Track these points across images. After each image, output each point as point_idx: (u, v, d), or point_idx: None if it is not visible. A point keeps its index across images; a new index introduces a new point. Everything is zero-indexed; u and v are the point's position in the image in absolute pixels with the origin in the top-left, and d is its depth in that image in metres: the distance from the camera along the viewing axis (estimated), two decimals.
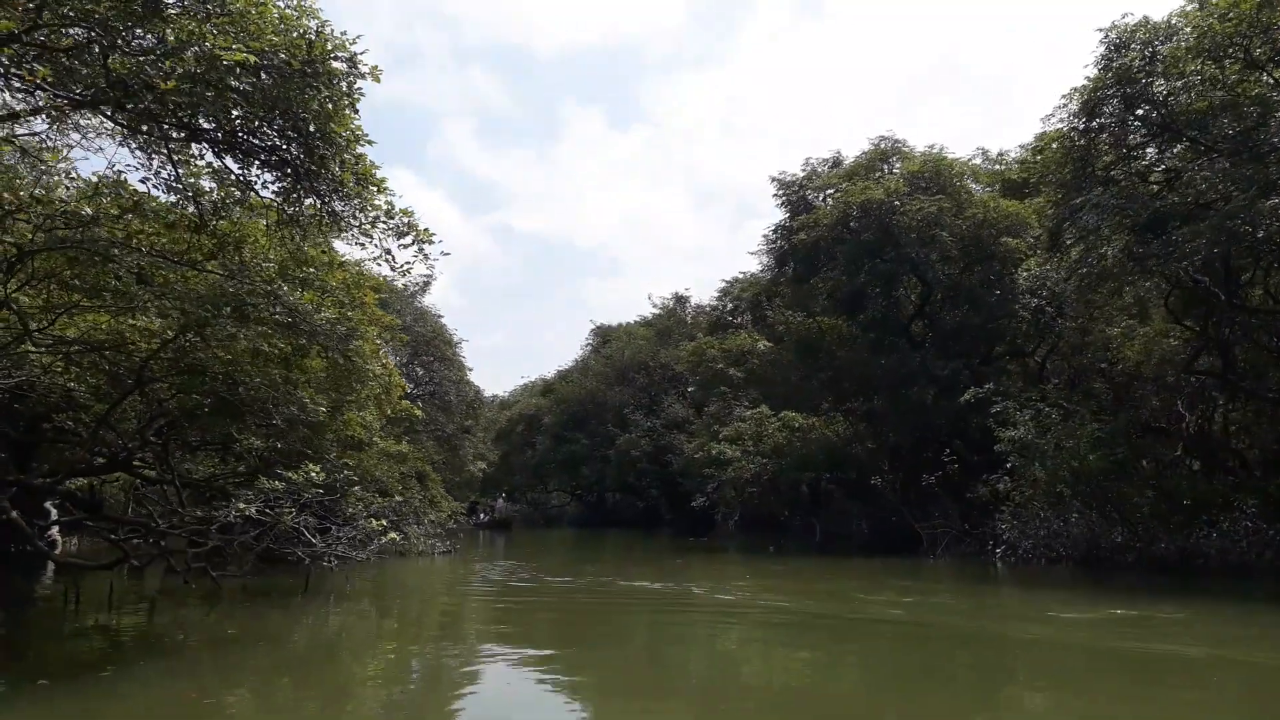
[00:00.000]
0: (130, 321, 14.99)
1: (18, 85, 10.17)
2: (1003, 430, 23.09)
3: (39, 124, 13.99)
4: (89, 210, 10.73)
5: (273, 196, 11.99)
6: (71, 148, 15.30)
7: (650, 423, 53.30)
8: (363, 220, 11.19)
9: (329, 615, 14.65)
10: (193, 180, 11.77)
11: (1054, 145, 22.53)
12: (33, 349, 16.01)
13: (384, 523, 16.62)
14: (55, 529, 27.92)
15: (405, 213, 11.16)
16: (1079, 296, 23.24)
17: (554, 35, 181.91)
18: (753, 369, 36.70)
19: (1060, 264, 23.97)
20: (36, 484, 16.29)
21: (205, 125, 10.86)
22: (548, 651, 11.89)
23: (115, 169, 12.58)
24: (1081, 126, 21.48)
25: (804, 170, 33.85)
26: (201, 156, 11.85)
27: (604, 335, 63.18)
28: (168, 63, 8.66)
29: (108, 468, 19.00)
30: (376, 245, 11.43)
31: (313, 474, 15.08)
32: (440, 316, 44.52)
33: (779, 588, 18.80)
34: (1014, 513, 24.50)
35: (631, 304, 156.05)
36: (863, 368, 31.92)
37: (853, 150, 37.45)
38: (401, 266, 11.51)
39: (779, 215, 33.80)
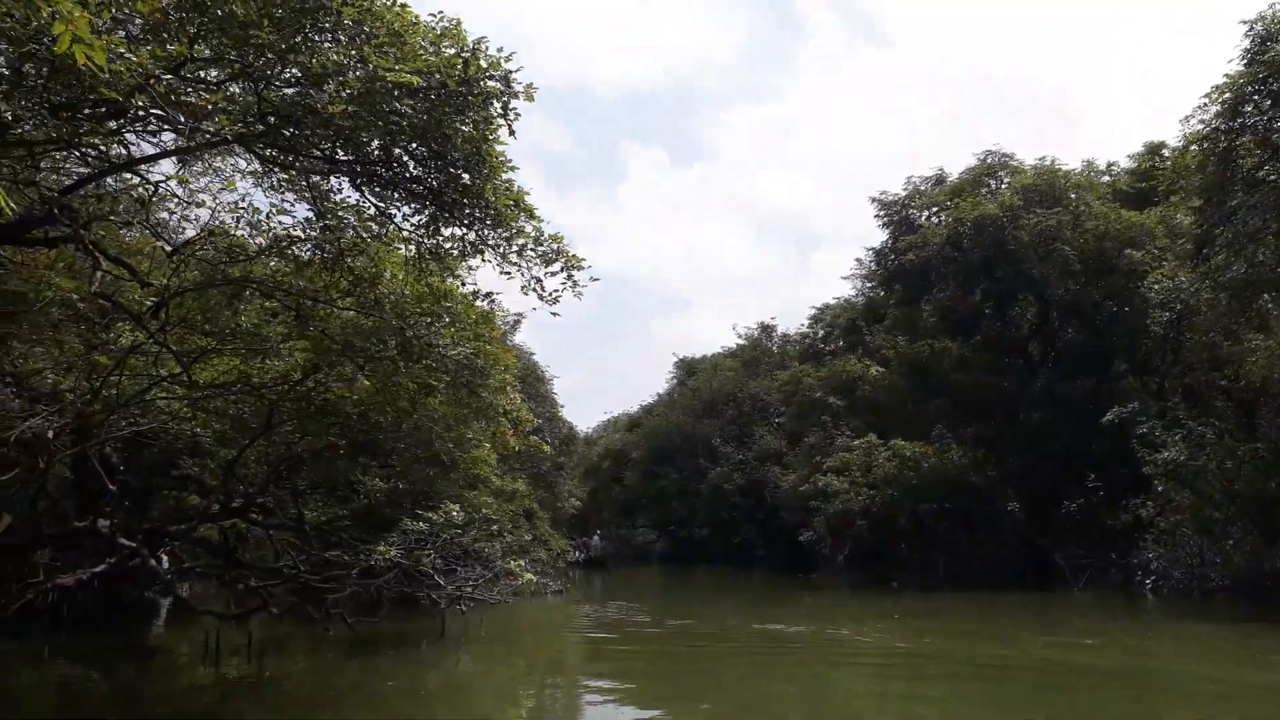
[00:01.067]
0: (259, 365, 14.76)
1: (153, 127, 9.96)
2: (1150, 453, 21.56)
3: (160, 168, 13.97)
4: (261, 240, 10.39)
5: (411, 229, 11.63)
6: (195, 193, 15.31)
7: (742, 455, 52.17)
8: (509, 248, 10.68)
9: (477, 663, 14.10)
10: (333, 216, 11.45)
11: (1192, 149, 21.19)
12: (162, 395, 15.95)
13: (521, 563, 16.03)
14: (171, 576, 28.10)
15: (555, 238, 10.61)
16: (1227, 305, 21.69)
17: (613, 76, 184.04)
18: (864, 395, 35.48)
19: (1200, 273, 22.48)
20: (172, 530, 16.13)
21: (343, 157, 10.55)
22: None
23: (250, 209, 12.38)
24: (1224, 127, 20.17)
25: (905, 189, 32.85)
26: (340, 190, 11.56)
27: (688, 368, 62.43)
28: (331, 85, 8.26)
29: (231, 513, 18.84)
30: (523, 273, 10.92)
31: (454, 514, 14.59)
32: (532, 354, 44.38)
33: (927, 628, 17.62)
34: (1159, 540, 22.84)
35: (700, 338, 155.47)
36: (978, 391, 30.52)
37: (956, 167, 36.28)
38: (550, 294, 10.93)
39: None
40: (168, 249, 10.30)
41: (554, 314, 11.16)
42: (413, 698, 11.64)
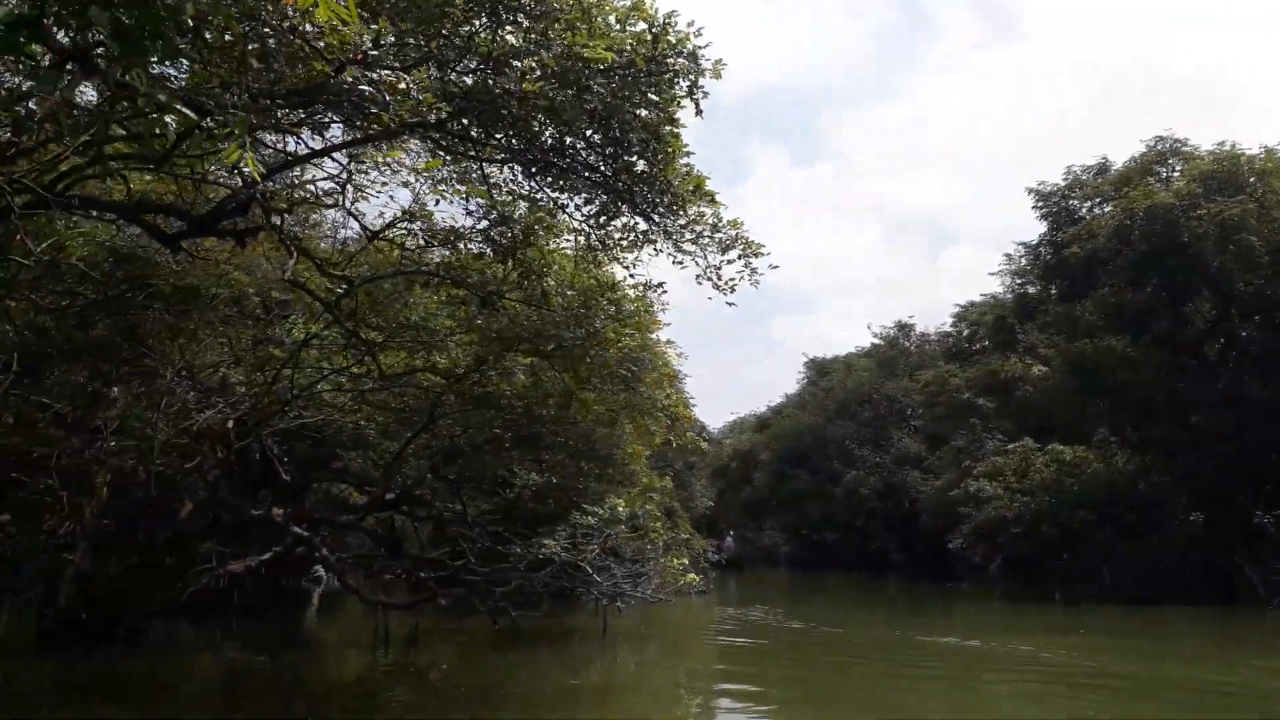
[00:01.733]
0: (425, 358, 14.87)
1: (335, 117, 9.99)
2: None
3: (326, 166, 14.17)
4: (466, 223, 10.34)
5: (581, 219, 11.41)
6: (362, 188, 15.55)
7: (879, 459, 50.56)
8: (684, 236, 10.29)
9: (635, 662, 13.81)
10: (505, 208, 11.33)
11: None
12: (328, 389, 16.30)
13: (684, 561, 15.69)
14: (320, 567, 29.00)
15: (734, 224, 10.16)
16: None
17: (736, 76, 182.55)
18: (1024, 396, 33.66)
19: None
20: (342, 520, 16.49)
21: (518, 146, 10.38)
22: None
23: (419, 204, 12.39)
24: None
25: (1065, 179, 30.94)
26: (512, 181, 11.43)
27: (819, 368, 61.00)
28: (521, 65, 8.05)
29: (387, 505, 19.17)
30: (698, 261, 10.51)
31: (619, 509, 14.37)
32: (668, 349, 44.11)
33: (1115, 646, 16.33)
34: None
35: (824, 339, 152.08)
36: (1146, 392, 28.45)
37: (1115, 155, 33.88)
38: (727, 283, 10.48)
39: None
40: (358, 235, 10.30)
41: (730, 304, 10.72)
42: (573, 696, 11.44)
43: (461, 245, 11.62)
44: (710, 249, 10.27)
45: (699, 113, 9.06)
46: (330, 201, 9.88)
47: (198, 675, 13.37)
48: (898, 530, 50.94)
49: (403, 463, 16.14)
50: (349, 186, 9.72)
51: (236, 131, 4.13)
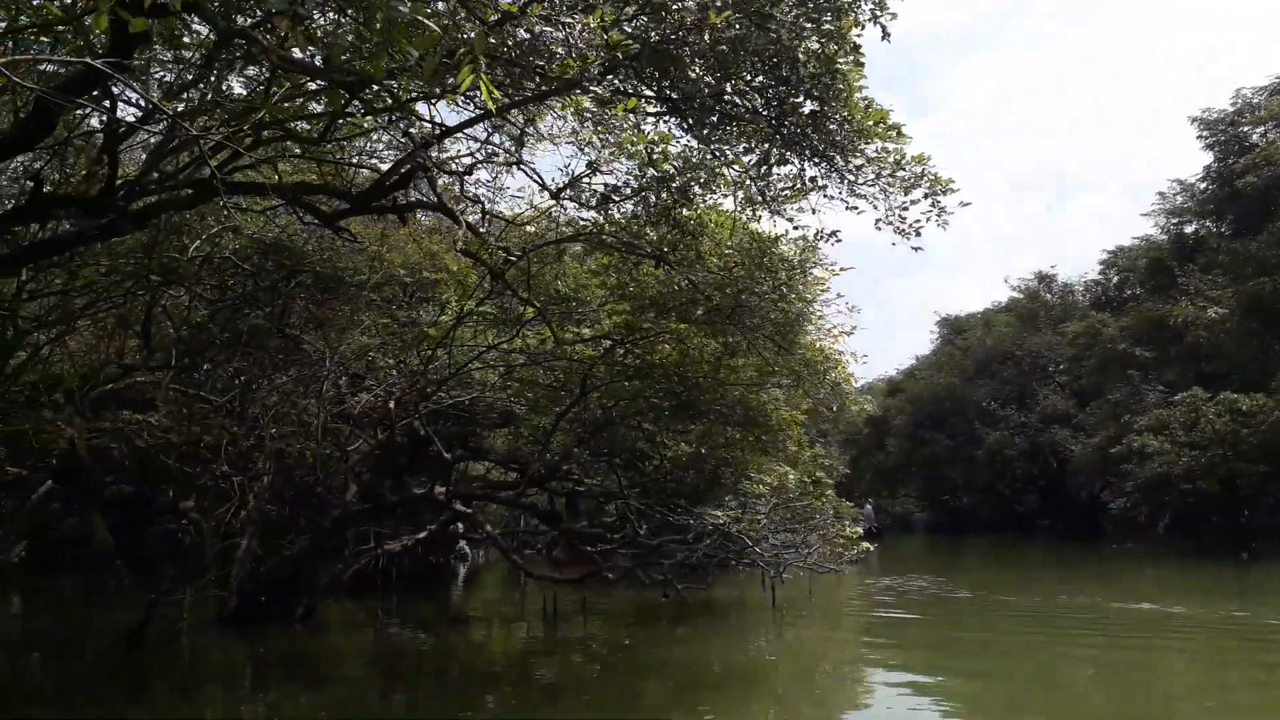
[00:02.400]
0: (575, 330, 14.58)
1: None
2: None
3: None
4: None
5: (740, 171, 10.80)
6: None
7: (1023, 417, 48.27)
8: (860, 178, 9.54)
9: (806, 635, 13.26)
10: (662, 164, 10.82)
11: None
12: (476, 366, 16.24)
13: (859, 529, 15.03)
14: (464, 542, 29.44)
15: (919, 159, 9.35)
16: None
17: None
18: (1194, 341, 31.27)
19: None
20: (502, 496, 16.49)
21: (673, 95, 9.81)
22: None
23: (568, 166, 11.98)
24: None
25: (1233, 104, 28.40)
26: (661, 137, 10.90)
27: (954, 326, 58.56)
28: None
29: (538, 480, 19.11)
30: (876, 205, 9.76)
31: (789, 477, 13.84)
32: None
33: None
34: None
35: (950, 297, 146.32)
36: None
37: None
38: (911, 225, 9.69)
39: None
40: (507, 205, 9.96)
41: (916, 249, 9.92)
42: (755, 673, 10.97)
43: (615, 209, 11.19)
44: (893, 190, 9.50)
45: (886, 36, 8.26)
46: (513, 157, 9.52)
47: (373, 652, 13.54)
48: (1043, 491, 48.68)
49: (552, 437, 15.93)
50: (516, 146, 9.33)
51: (474, 51, 3.69)
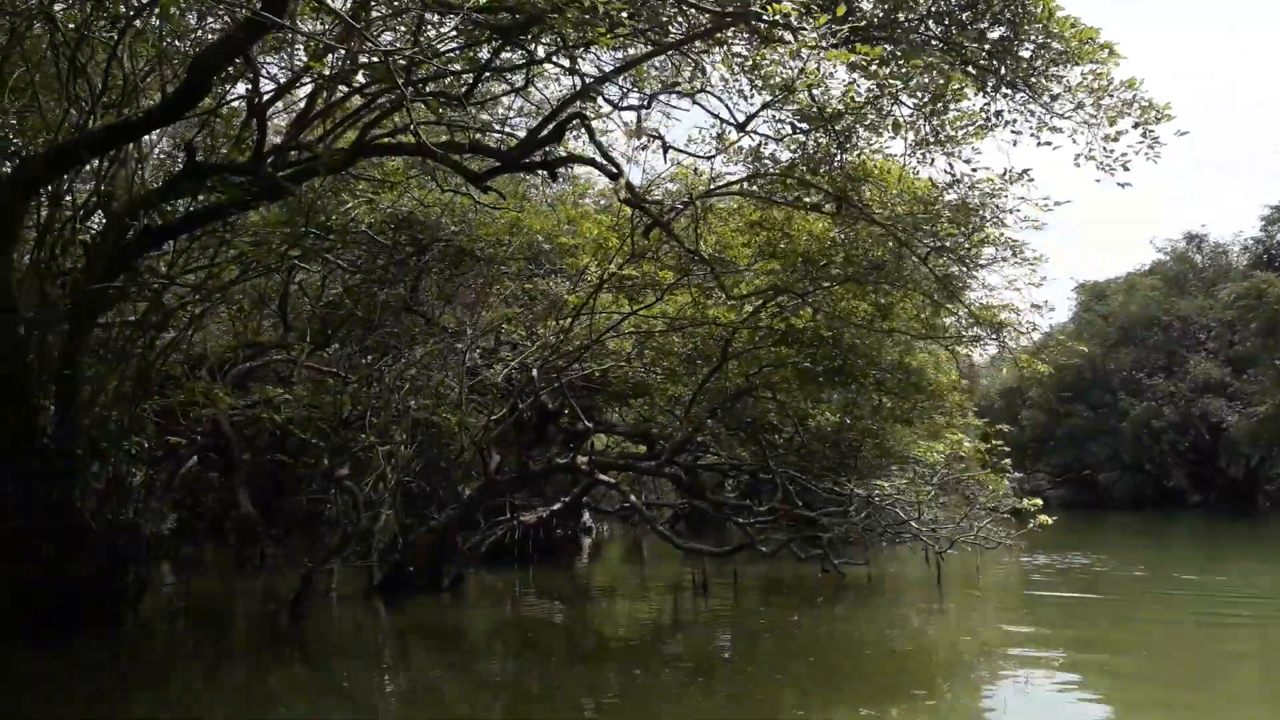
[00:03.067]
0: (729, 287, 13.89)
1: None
2: None
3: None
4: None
5: (913, 109, 9.92)
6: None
7: (1171, 387, 45.25)
8: (1065, 105, 8.54)
9: (971, 615, 12.36)
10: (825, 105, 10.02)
11: None
12: (612, 334, 15.78)
13: (1039, 501, 13.99)
14: (588, 515, 29.27)
15: (1130, 84, 8.28)
16: None
17: None
18: None
19: None
20: (644, 466, 16.07)
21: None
22: None
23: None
24: None
25: None
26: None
27: (1094, 293, 55.29)
28: None
29: (672, 453, 18.60)
30: (1075, 138, 8.76)
31: (964, 445, 12.94)
32: None
33: None
34: None
35: (1076, 265, 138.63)
36: None
37: None
38: (1118, 159, 8.64)
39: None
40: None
41: (1123, 185, 8.84)
42: (901, 653, 10.18)
43: (776, 156, 10.45)
44: (1097, 120, 8.47)
45: None
46: (694, 86, 8.93)
47: (518, 624, 13.30)
48: (1192, 465, 45.65)
49: (692, 406, 15.35)
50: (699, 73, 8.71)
51: None
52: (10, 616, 10.72)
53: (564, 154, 10.35)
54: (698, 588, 13.62)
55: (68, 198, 12.61)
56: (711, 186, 11.00)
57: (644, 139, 9.12)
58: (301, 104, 12.50)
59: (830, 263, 11.91)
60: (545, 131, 9.22)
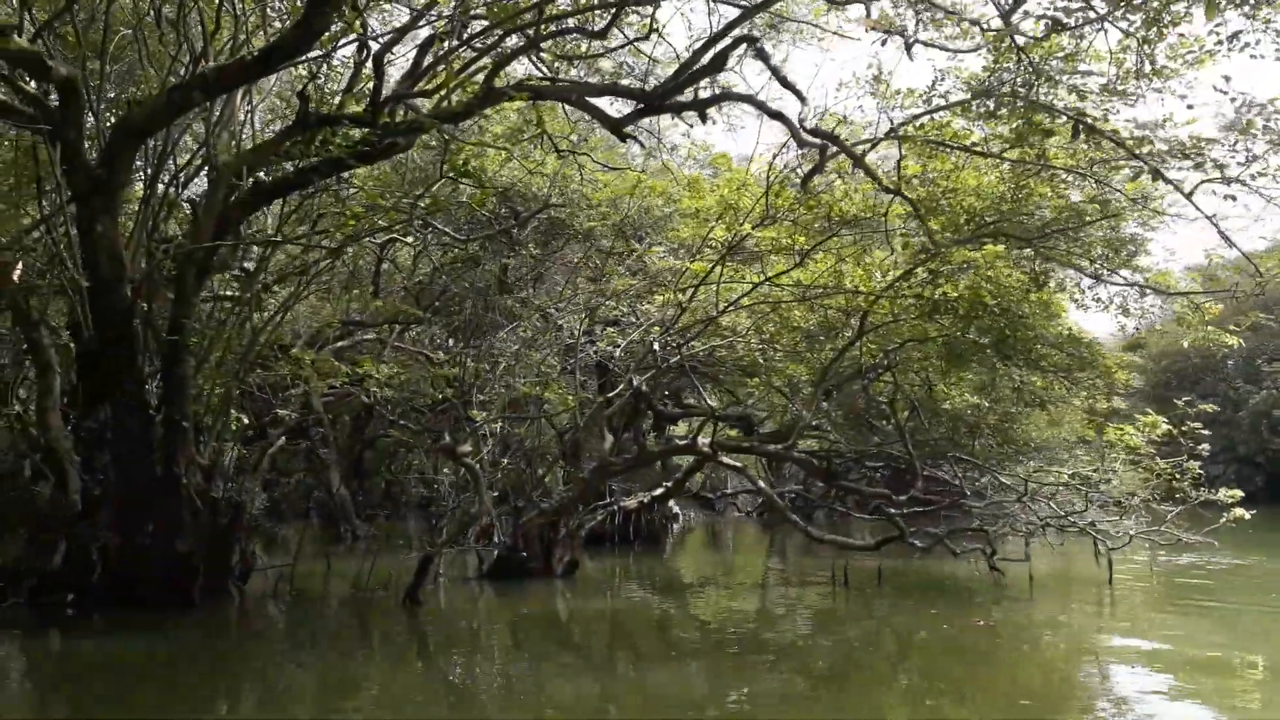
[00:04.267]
0: (855, 264, 12.70)
1: None
2: None
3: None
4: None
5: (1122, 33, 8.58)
6: None
7: None
8: None
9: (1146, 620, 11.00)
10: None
11: None
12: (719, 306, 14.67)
13: (1237, 493, 12.47)
14: (673, 502, 28.21)
15: None
16: None
17: None
18: None
19: None
20: (771, 450, 14.93)
21: None
22: None
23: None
24: None
25: None
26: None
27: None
28: None
29: (777, 438, 17.42)
30: None
31: (1159, 430, 11.57)
32: None
33: None
34: None
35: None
36: None
37: None
38: None
39: None
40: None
41: None
42: (1067, 667, 8.90)
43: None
44: None
45: None
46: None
47: (630, 615, 12.28)
48: None
49: (823, 382, 14.16)
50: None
51: None
52: (118, 591, 10.25)
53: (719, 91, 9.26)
54: (838, 583, 12.45)
55: (170, 162, 12.02)
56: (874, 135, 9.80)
57: (882, 32, 7.93)
58: (413, 54, 11.69)
59: (1001, 220, 10.61)
60: (703, 61, 8.12)
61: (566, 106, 12.12)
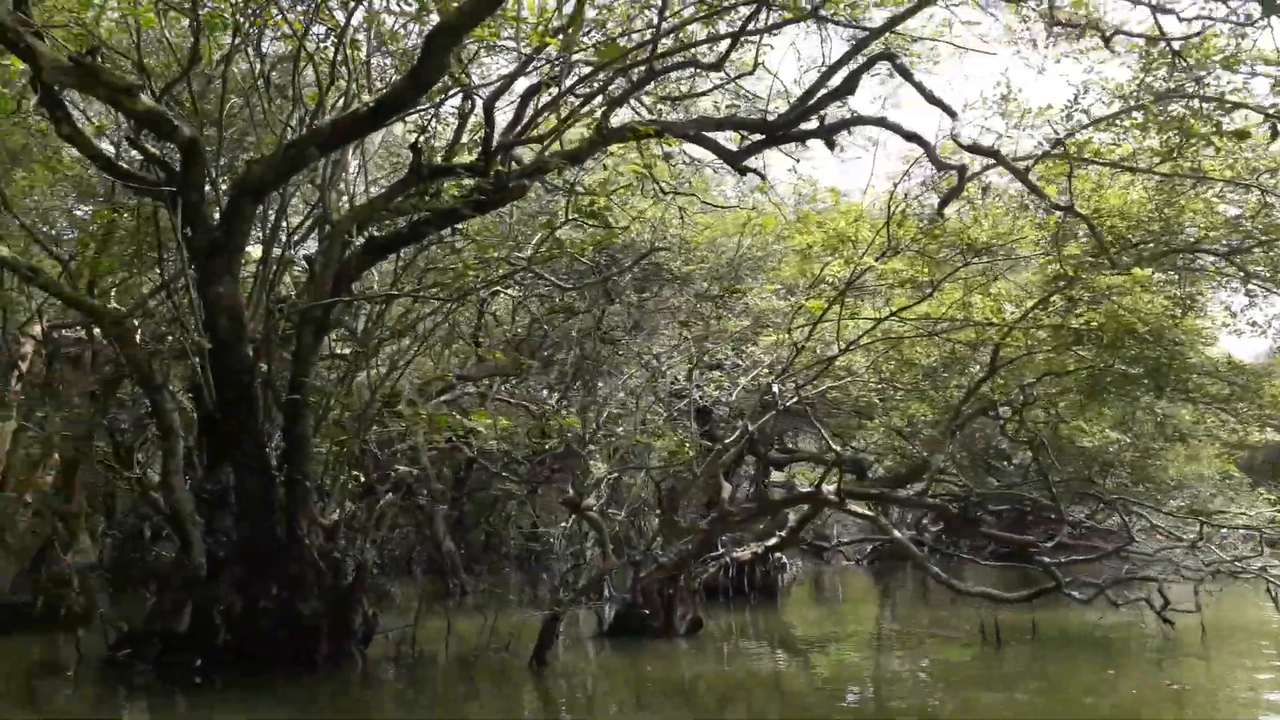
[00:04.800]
0: (985, 293, 11.98)
1: None
2: None
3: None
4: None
5: None
6: None
7: None
8: None
9: None
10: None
11: None
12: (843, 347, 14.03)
13: None
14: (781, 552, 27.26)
15: None
16: None
17: None
18: None
19: None
20: (902, 497, 14.17)
21: None
22: None
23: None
24: None
25: None
26: None
27: None
28: None
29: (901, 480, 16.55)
30: None
31: None
32: None
33: None
34: None
35: None
36: None
37: None
38: None
39: None
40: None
41: None
42: None
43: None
44: None
45: None
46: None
47: (766, 679, 11.55)
48: None
49: (955, 422, 13.37)
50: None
51: None
52: (242, 654, 10.10)
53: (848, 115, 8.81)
54: (987, 639, 11.52)
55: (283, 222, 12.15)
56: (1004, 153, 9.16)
57: (1071, 28, 7.41)
58: (516, 102, 11.60)
59: (1148, 241, 9.82)
60: (830, 85, 7.69)
61: (663, 149, 11.83)
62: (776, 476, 24.98)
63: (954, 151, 8.81)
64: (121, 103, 7.38)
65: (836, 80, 9.13)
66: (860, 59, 8.32)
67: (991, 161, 8.72)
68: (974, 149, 8.20)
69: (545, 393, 23.80)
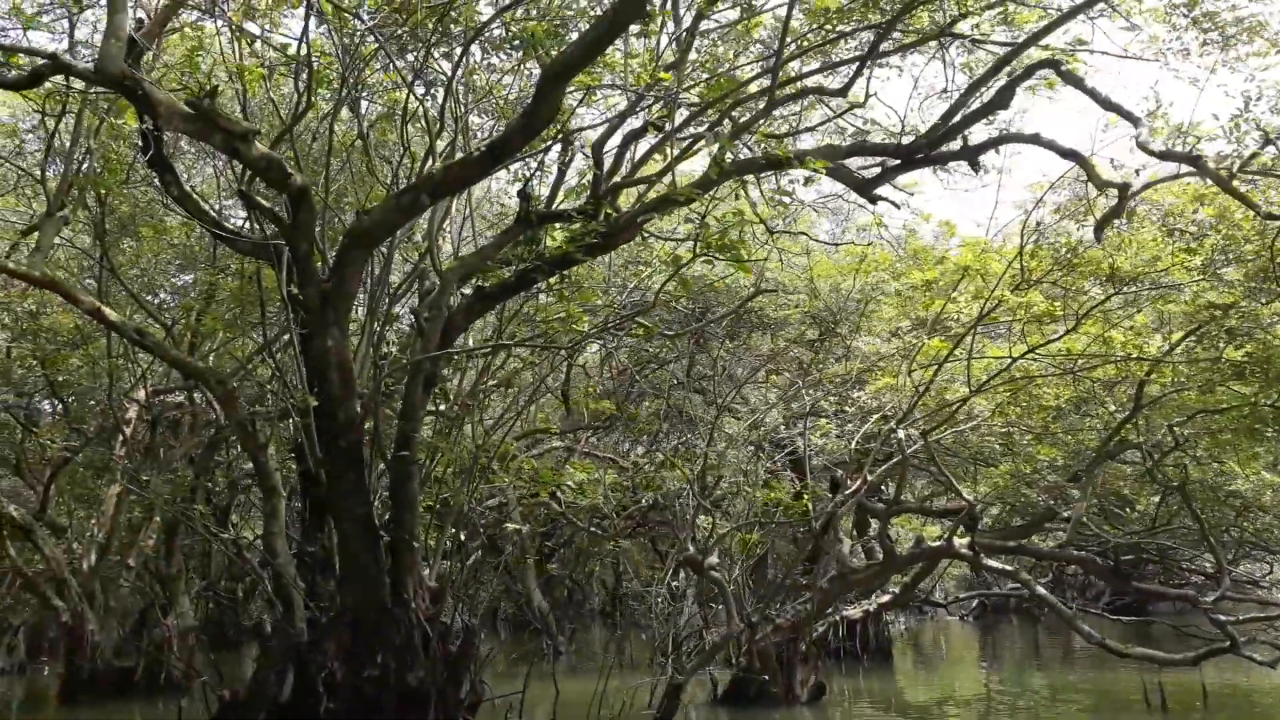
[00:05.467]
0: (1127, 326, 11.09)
1: None
2: None
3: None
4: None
5: None
6: None
7: None
8: None
9: None
10: None
11: None
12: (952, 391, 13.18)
13: None
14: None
15: None
16: None
17: None
18: None
19: None
20: (1045, 550, 13.15)
21: None
22: None
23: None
24: None
25: None
26: None
27: None
28: None
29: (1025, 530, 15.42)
30: None
31: None
32: None
33: None
34: None
35: None
36: None
37: None
38: None
39: None
40: None
41: None
42: None
43: None
44: None
45: None
46: None
47: None
48: None
49: (1094, 469, 12.38)
50: None
51: None
52: None
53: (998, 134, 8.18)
54: (1151, 705, 10.44)
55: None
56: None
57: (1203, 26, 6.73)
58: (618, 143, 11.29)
59: None
60: (978, 100, 7.09)
61: (780, 183, 11.33)
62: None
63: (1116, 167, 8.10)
64: (238, 150, 7.17)
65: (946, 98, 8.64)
66: (1004, 75, 7.70)
67: (1149, 180, 7.98)
68: (1167, 155, 7.48)
69: (630, 445, 23.31)
